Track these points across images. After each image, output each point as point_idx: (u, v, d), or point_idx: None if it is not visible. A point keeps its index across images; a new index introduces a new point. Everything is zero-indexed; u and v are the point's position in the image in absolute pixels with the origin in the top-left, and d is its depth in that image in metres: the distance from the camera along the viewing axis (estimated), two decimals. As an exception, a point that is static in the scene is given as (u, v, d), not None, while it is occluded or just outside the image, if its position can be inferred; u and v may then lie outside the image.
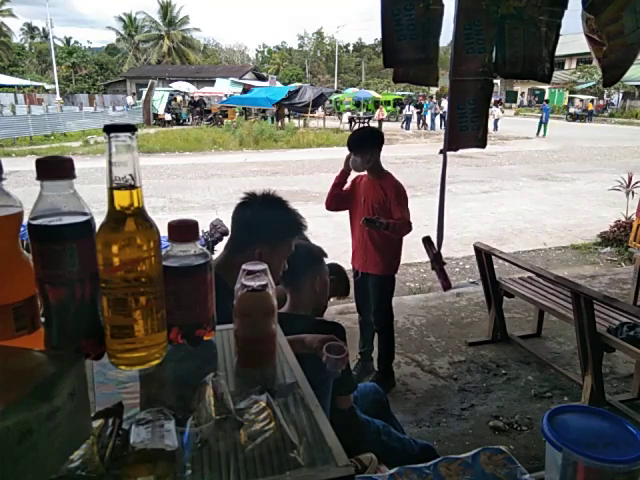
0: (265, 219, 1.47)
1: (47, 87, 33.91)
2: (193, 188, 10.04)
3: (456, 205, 8.04)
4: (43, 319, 0.67)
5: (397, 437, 1.99)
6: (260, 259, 1.04)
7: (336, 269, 2.49)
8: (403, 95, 32.34)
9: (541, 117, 22.55)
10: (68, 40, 54.57)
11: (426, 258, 3.16)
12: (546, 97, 31.31)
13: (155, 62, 47.45)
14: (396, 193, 2.92)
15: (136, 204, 0.65)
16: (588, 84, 34.42)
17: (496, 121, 23.13)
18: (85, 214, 0.65)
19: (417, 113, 25.83)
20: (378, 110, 25.09)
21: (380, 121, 23.78)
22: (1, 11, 43.23)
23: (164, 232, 0.73)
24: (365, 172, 3.05)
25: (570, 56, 37.36)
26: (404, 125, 24.97)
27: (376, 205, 2.96)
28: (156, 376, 0.73)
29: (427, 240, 3.11)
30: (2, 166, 0.64)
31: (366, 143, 2.95)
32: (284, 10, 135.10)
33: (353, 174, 3.15)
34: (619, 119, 32.69)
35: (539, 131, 22.35)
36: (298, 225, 1.53)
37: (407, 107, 26.08)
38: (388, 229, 2.82)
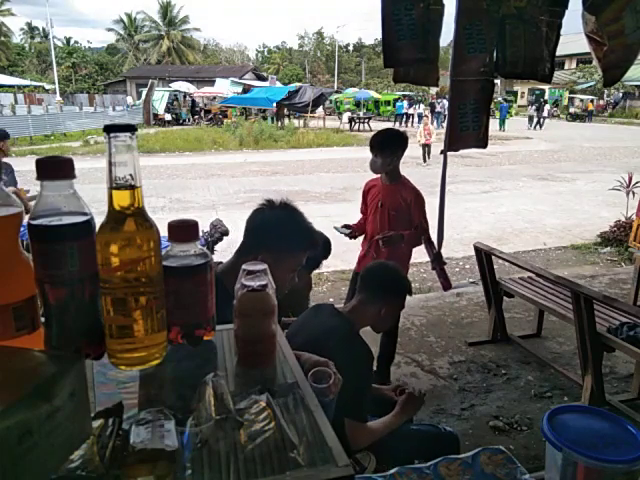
0: (273, 227, 1.42)
1: (47, 87, 33.87)
2: (193, 188, 10.03)
3: (456, 205, 8.03)
4: (43, 319, 0.67)
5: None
6: None
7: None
8: (403, 95, 32.29)
9: (499, 115, 24.42)
10: (68, 40, 54.56)
11: (426, 258, 3.15)
12: (504, 96, 32.96)
13: (155, 62, 47.45)
14: (416, 198, 2.88)
15: (136, 204, 0.65)
16: (588, 84, 34.43)
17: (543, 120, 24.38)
18: (85, 214, 0.64)
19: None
20: (423, 125, 14.09)
21: (426, 145, 13.49)
22: (1, 11, 43.21)
23: (164, 232, 0.73)
24: (379, 176, 2.99)
25: (570, 56, 37.35)
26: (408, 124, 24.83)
27: (393, 212, 2.89)
28: (156, 376, 0.73)
29: (427, 240, 3.11)
30: (2, 166, 0.64)
31: (390, 144, 2.83)
32: (284, 10, 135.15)
33: (366, 177, 3.07)
34: (619, 119, 32.69)
35: (500, 127, 23.91)
36: (309, 240, 1.47)
37: (418, 105, 25.67)
38: (403, 240, 2.82)
